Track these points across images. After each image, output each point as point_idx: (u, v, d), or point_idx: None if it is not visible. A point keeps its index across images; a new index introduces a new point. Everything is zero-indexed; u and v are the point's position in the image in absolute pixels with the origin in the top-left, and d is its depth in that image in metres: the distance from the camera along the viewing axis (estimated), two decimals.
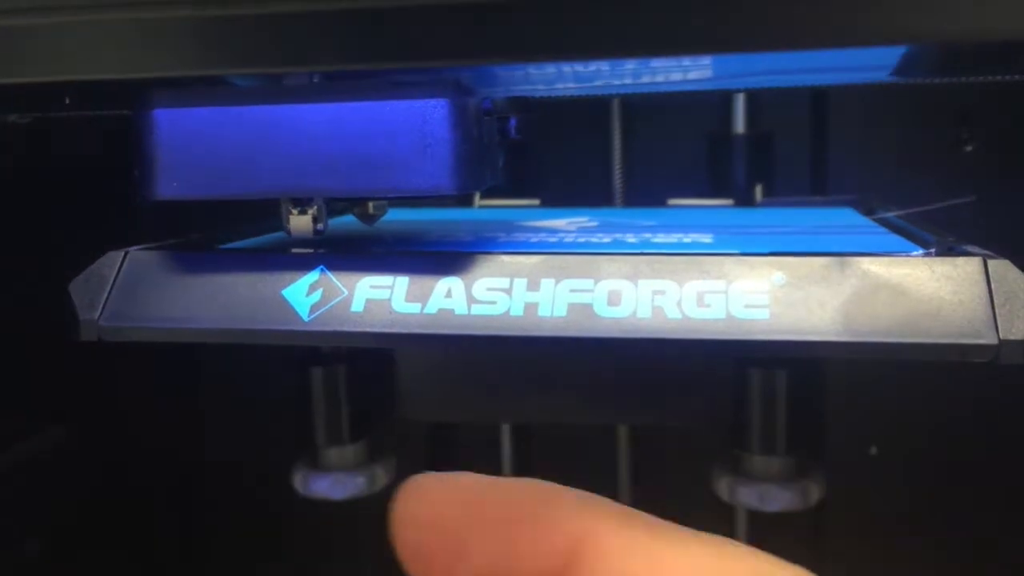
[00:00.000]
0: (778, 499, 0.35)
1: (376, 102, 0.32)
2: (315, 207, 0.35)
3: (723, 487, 0.36)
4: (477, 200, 0.60)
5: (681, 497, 0.63)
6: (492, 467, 0.65)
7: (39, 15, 0.30)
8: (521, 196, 0.59)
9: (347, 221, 0.50)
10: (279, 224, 0.45)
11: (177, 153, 0.32)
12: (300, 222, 0.35)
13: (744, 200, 0.59)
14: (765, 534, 0.62)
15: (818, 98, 0.61)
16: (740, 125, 0.61)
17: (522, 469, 0.66)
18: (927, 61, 0.35)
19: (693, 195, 0.59)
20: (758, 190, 0.61)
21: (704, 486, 0.38)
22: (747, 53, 0.29)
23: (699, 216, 0.50)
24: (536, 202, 0.58)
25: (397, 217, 0.52)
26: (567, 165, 0.64)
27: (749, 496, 0.35)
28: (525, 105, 0.45)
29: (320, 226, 0.36)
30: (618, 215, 0.52)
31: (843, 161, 0.61)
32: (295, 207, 0.35)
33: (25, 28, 0.30)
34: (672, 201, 0.57)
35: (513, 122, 0.44)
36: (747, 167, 0.62)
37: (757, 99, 0.61)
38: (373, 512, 0.45)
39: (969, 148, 0.57)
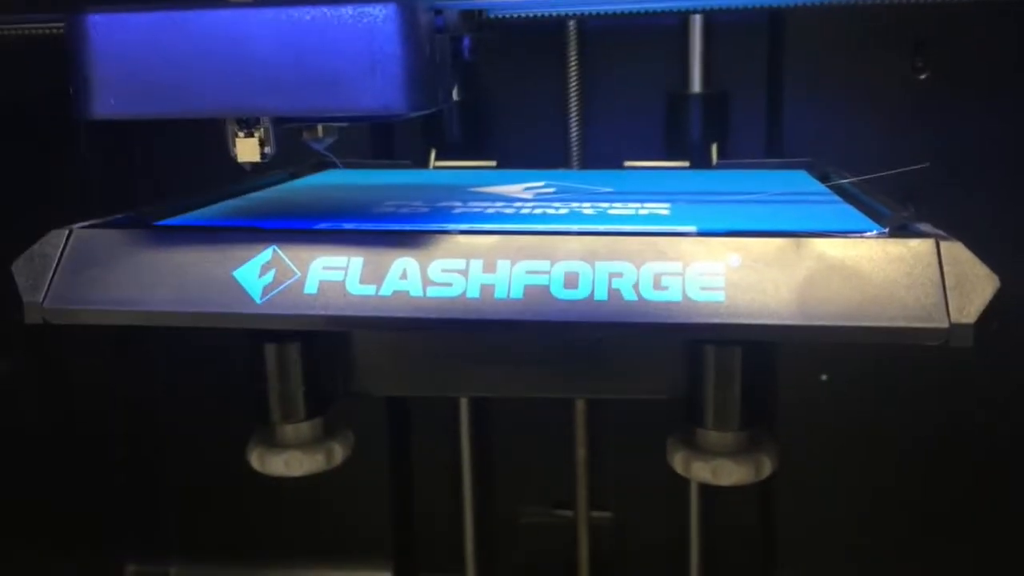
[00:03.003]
0: (732, 473, 0.35)
1: (322, 6, 0.30)
2: (262, 129, 0.33)
3: (678, 461, 0.36)
4: (433, 161, 0.60)
5: (636, 468, 0.64)
6: (451, 440, 0.66)
7: None
8: (478, 157, 0.58)
9: (298, 186, 0.49)
10: (230, 191, 0.45)
11: (115, 64, 0.30)
12: (246, 145, 0.33)
13: (701, 161, 0.59)
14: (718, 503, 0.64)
15: (775, 51, 0.61)
16: (696, 85, 0.61)
17: (481, 442, 0.66)
18: None
19: (651, 155, 0.59)
20: (714, 149, 0.61)
21: (660, 458, 0.39)
22: None
23: (656, 181, 0.50)
24: (493, 163, 0.57)
25: (351, 181, 0.51)
26: (524, 125, 0.63)
27: (703, 470, 0.36)
28: (478, 24, 0.44)
29: (267, 149, 0.34)
30: (575, 178, 0.51)
31: (799, 114, 0.61)
32: (241, 129, 0.33)
33: None
34: (628, 163, 0.56)
35: (467, 41, 0.42)
36: (703, 126, 0.62)
37: (714, 58, 0.61)
38: (332, 484, 0.46)
39: (923, 76, 0.58)
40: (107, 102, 0.30)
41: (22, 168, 0.55)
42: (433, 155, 0.60)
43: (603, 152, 0.62)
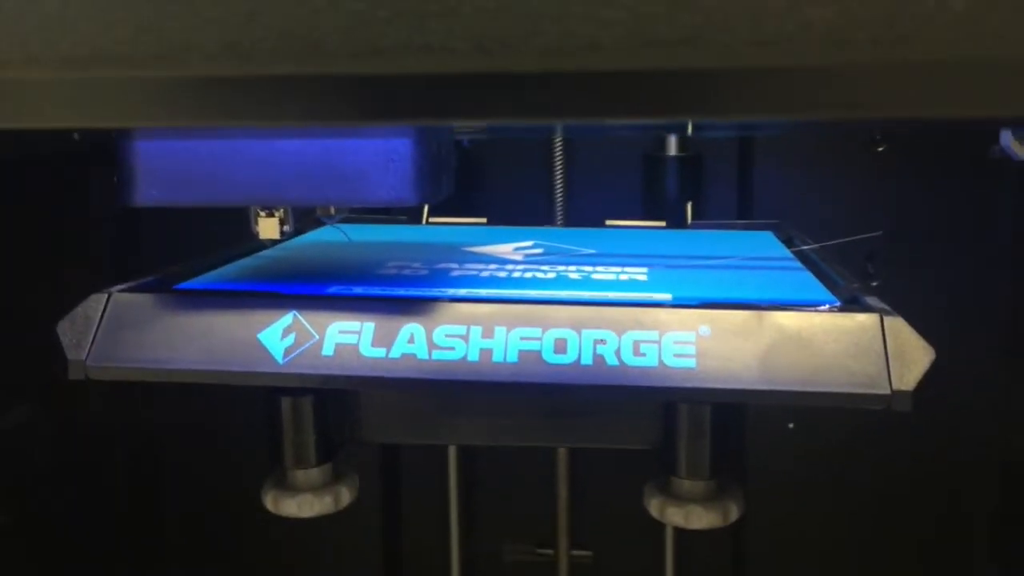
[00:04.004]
0: (702, 518, 0.39)
1: (348, 140, 0.34)
2: (282, 210, 0.38)
3: (654, 507, 0.40)
4: (426, 217, 0.63)
5: (615, 509, 0.68)
6: (439, 483, 0.69)
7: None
8: (469, 214, 0.62)
9: (305, 243, 0.53)
10: (244, 249, 0.48)
11: (159, 169, 0.35)
12: (268, 224, 0.38)
13: (676, 220, 0.63)
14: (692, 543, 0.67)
15: (744, 124, 0.65)
16: (672, 148, 0.66)
17: (467, 485, 0.70)
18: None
19: (630, 212, 0.63)
20: (689, 207, 0.65)
21: (637, 500, 0.42)
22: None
23: (635, 243, 0.54)
24: (483, 220, 0.61)
25: (354, 237, 0.55)
26: (512, 185, 0.67)
27: (676, 515, 0.39)
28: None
29: (286, 227, 0.38)
30: (560, 237, 0.55)
31: (768, 176, 0.66)
32: (263, 210, 0.38)
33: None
34: (609, 222, 0.60)
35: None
36: (679, 186, 0.66)
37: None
38: (326, 523, 0.49)
39: (880, 149, 0.63)
40: (149, 193, 0.34)
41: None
42: (427, 211, 0.64)
43: (586, 210, 0.66)
